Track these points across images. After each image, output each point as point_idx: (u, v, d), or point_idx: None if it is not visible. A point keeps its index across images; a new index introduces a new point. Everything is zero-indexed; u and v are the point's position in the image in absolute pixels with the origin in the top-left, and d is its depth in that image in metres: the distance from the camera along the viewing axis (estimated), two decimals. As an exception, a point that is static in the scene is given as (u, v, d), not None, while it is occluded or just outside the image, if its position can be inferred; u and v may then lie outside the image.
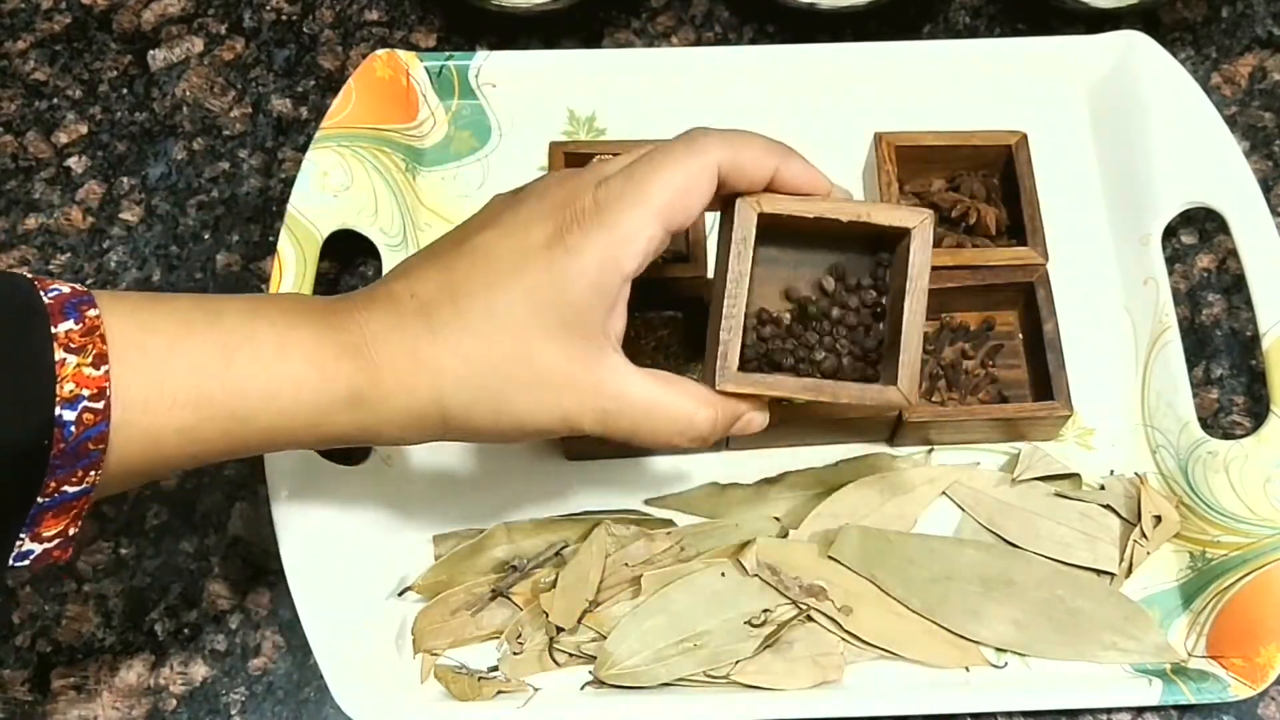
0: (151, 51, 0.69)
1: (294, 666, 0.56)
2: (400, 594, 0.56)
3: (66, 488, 0.39)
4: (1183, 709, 0.56)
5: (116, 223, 0.65)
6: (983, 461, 0.59)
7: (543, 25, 0.69)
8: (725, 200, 0.47)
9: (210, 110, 0.68)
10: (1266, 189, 0.63)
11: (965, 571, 0.56)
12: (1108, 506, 0.57)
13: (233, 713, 0.56)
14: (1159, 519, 0.57)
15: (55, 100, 0.68)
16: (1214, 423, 0.61)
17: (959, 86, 0.65)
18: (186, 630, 0.57)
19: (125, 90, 0.68)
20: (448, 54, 0.65)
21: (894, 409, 0.49)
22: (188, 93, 0.68)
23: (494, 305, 0.43)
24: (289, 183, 0.62)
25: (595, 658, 0.54)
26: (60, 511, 0.40)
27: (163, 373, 0.40)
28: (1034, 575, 0.56)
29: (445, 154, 0.65)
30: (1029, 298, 0.60)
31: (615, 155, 0.47)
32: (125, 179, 0.66)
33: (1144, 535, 0.57)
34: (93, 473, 0.40)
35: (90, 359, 0.38)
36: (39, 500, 0.39)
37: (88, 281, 0.64)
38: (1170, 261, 0.63)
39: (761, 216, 0.46)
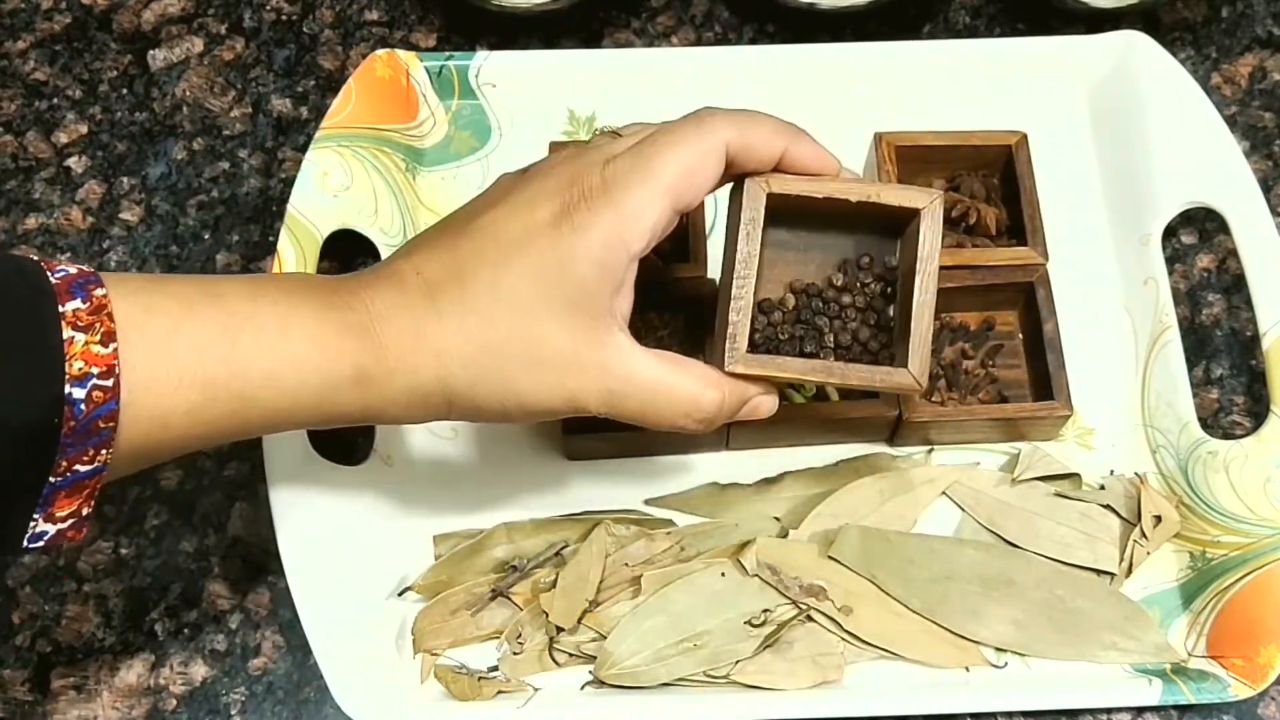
0: (151, 51, 0.69)
1: (294, 666, 0.56)
2: (400, 594, 0.56)
3: (78, 466, 0.39)
4: (1183, 709, 0.56)
5: (116, 223, 0.65)
6: (983, 461, 0.59)
7: (543, 25, 0.69)
8: (734, 181, 0.46)
9: (210, 110, 0.68)
10: (1266, 189, 0.63)
11: (965, 571, 0.56)
12: (1108, 506, 0.57)
13: (233, 713, 0.56)
14: (1159, 519, 0.57)
15: (55, 100, 0.68)
16: (1214, 423, 0.61)
17: (959, 86, 0.65)
18: (186, 630, 0.57)
19: (125, 90, 0.68)
20: (448, 54, 0.65)
21: (905, 391, 0.48)
22: (188, 93, 0.68)
23: (499, 284, 0.43)
24: (289, 183, 0.62)
25: (595, 658, 0.54)
26: (73, 491, 0.40)
27: (166, 353, 0.40)
28: (1034, 575, 0.56)
29: (445, 154, 0.65)
30: (1029, 298, 0.60)
31: (618, 132, 0.47)
32: (125, 179, 0.66)
33: (1144, 535, 0.57)
34: (104, 451, 0.39)
35: (98, 337, 0.38)
36: (51, 480, 0.39)
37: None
38: (1170, 261, 0.63)
39: (770, 197, 0.46)
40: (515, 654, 0.55)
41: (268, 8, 0.70)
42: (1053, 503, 0.58)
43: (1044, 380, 0.58)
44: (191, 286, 0.42)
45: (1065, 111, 0.66)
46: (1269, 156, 0.67)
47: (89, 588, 0.58)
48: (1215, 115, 0.61)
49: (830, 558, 0.56)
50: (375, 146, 0.62)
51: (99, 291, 0.39)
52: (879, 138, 0.61)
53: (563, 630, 0.55)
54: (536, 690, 0.55)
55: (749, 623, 0.54)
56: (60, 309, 0.38)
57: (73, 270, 0.40)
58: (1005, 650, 0.55)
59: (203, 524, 0.59)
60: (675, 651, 0.54)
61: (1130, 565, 0.57)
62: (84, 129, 0.67)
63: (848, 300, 0.50)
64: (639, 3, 0.70)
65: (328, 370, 0.43)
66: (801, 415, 0.58)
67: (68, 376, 0.38)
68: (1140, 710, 0.56)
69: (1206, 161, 0.61)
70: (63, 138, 0.67)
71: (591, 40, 0.69)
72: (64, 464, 0.39)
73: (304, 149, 0.61)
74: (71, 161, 0.66)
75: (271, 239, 0.64)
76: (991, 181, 0.63)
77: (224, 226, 0.65)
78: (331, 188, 0.59)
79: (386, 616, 0.55)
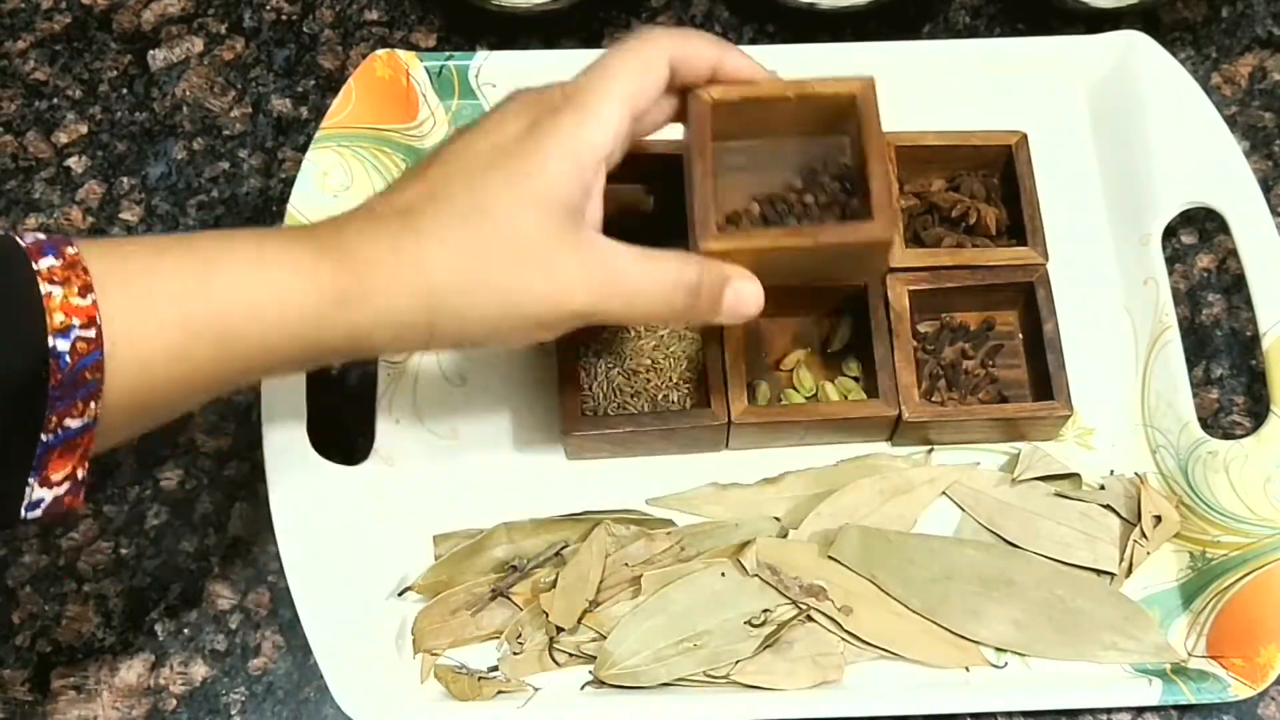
0: (151, 51, 0.69)
1: (294, 666, 0.56)
2: (400, 594, 0.56)
3: (69, 421, 0.39)
4: (1183, 709, 0.56)
5: (116, 223, 0.65)
6: (983, 461, 0.59)
7: (543, 25, 0.69)
8: (681, 101, 0.49)
9: (210, 110, 0.68)
10: (1266, 189, 0.63)
11: (965, 571, 0.56)
12: (1108, 506, 0.57)
13: (233, 713, 0.56)
14: (1159, 519, 0.57)
15: (55, 100, 0.68)
16: (1214, 423, 0.61)
17: (959, 86, 0.65)
18: (186, 630, 0.57)
19: (125, 90, 0.68)
20: (448, 54, 0.65)
21: (876, 245, 0.49)
22: (188, 92, 0.68)
23: (475, 196, 0.44)
24: (289, 183, 0.62)
25: (595, 658, 0.54)
26: (66, 450, 0.40)
27: (144, 297, 0.40)
28: (1034, 575, 0.56)
29: (445, 154, 0.65)
30: (1029, 298, 0.60)
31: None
32: (125, 179, 0.66)
33: (1144, 535, 0.57)
34: (92, 404, 0.39)
35: (76, 289, 0.38)
36: (43, 439, 0.39)
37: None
38: (1170, 261, 0.63)
39: (715, 104, 0.49)
40: (515, 654, 0.55)
41: (268, 7, 0.70)
42: (1053, 503, 0.58)
43: (1044, 380, 0.58)
44: (160, 238, 0.43)
45: (1065, 111, 0.66)
46: (1269, 156, 0.67)
47: (89, 588, 0.58)
48: (1215, 115, 0.61)
49: (830, 558, 0.56)
50: (375, 146, 0.62)
51: (70, 249, 0.39)
52: (879, 138, 0.61)
53: (563, 630, 0.55)
54: (536, 690, 0.55)
55: (749, 623, 0.54)
56: (34, 266, 0.38)
57: (42, 236, 0.40)
58: (1005, 650, 0.55)
59: (203, 524, 0.59)
60: (675, 651, 0.54)
61: (1130, 565, 0.57)
62: (84, 129, 0.67)
63: (810, 200, 0.51)
64: (639, 3, 0.70)
65: (309, 295, 0.42)
66: (801, 415, 0.58)
67: (50, 329, 0.38)
68: (1140, 710, 0.56)
69: (1206, 161, 0.61)
70: (63, 138, 0.67)
71: (591, 40, 0.69)
72: (54, 420, 0.39)
73: (304, 149, 0.61)
74: (71, 161, 0.66)
75: (271, 239, 0.64)
76: (991, 181, 0.63)
77: (224, 226, 0.65)
78: (331, 188, 0.59)
79: (386, 616, 0.55)
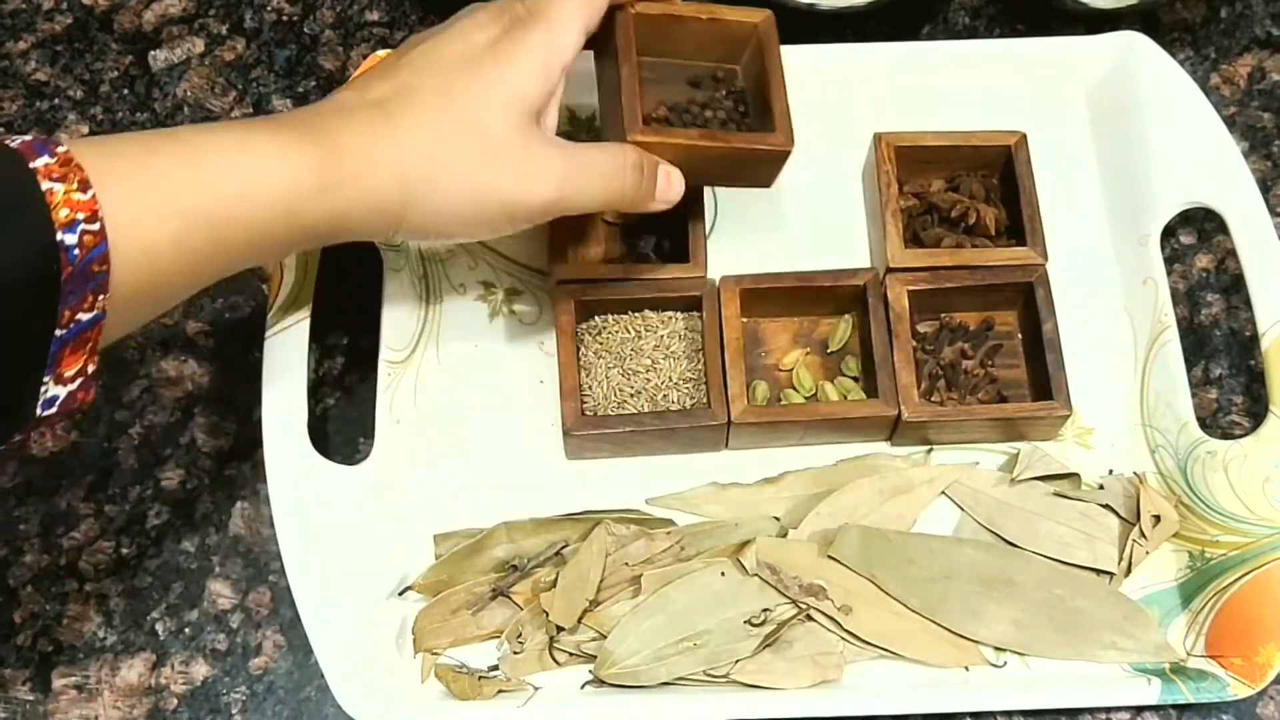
0: (152, 52, 0.69)
1: (295, 666, 0.57)
2: (401, 593, 0.56)
3: (80, 315, 0.40)
4: (1181, 708, 0.56)
5: (117, 223, 0.65)
6: (982, 461, 0.59)
7: (543, 26, 0.69)
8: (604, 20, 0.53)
9: (211, 110, 0.68)
10: (1265, 189, 0.64)
11: (964, 571, 0.56)
12: (1107, 506, 0.58)
13: (234, 712, 0.56)
14: (1158, 518, 0.57)
15: (57, 100, 0.68)
16: (1213, 422, 0.61)
17: (958, 87, 0.65)
18: (187, 630, 0.57)
19: (126, 90, 0.68)
20: (448, 54, 0.65)
21: (776, 151, 0.55)
22: (189, 93, 0.68)
23: (448, 95, 0.48)
24: (290, 183, 0.62)
25: (595, 657, 0.54)
26: (77, 345, 0.41)
27: (141, 190, 0.42)
28: (1033, 575, 0.56)
29: (446, 154, 0.65)
30: (1028, 298, 0.60)
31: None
32: (126, 179, 0.66)
33: (1143, 535, 0.57)
34: (101, 297, 0.40)
35: (75, 185, 0.39)
36: (57, 334, 0.40)
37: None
38: (1169, 261, 0.63)
39: (638, 17, 0.54)
40: (515, 653, 0.55)
41: (268, 8, 0.70)
42: (1052, 502, 0.58)
43: (1043, 380, 0.58)
44: (146, 133, 0.44)
45: (1064, 112, 0.66)
46: (1268, 157, 0.67)
47: (90, 587, 0.58)
48: (1214, 116, 0.62)
49: (830, 557, 0.56)
50: (376, 147, 0.62)
51: (61, 148, 0.40)
52: (879, 138, 0.61)
53: (563, 630, 0.55)
54: (537, 689, 0.55)
55: (749, 622, 0.55)
56: (31, 165, 0.39)
57: (28, 137, 0.40)
58: (1004, 650, 0.56)
59: (204, 523, 0.59)
60: (675, 651, 0.54)
61: (1129, 565, 0.57)
62: (85, 129, 0.67)
63: (709, 114, 0.57)
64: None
65: (294, 180, 0.45)
66: (801, 415, 0.58)
67: (57, 224, 0.39)
68: (1139, 709, 0.56)
69: (1205, 162, 0.61)
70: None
71: (587, 41, 0.69)
72: (66, 314, 0.40)
73: (305, 149, 0.61)
74: (72, 162, 0.66)
75: (272, 239, 0.64)
76: (991, 182, 0.63)
77: (225, 227, 0.65)
78: (332, 188, 0.59)
79: (387, 616, 0.55)
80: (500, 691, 0.54)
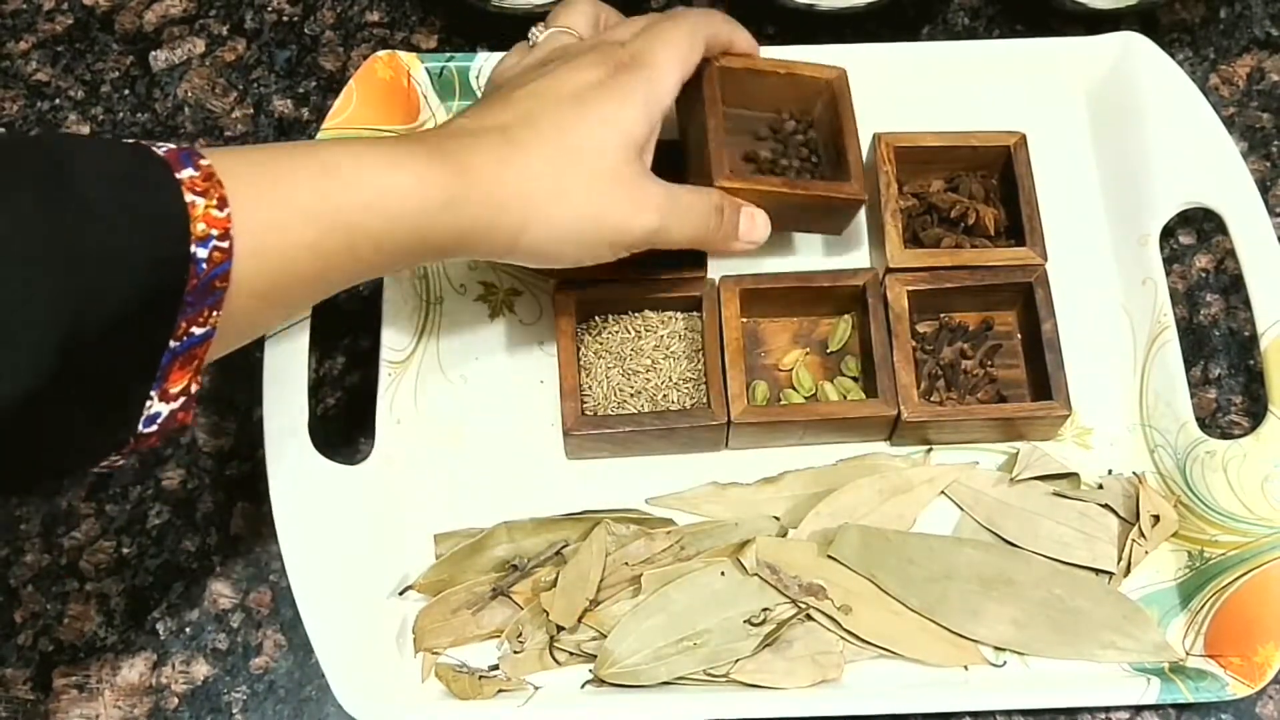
0: (153, 52, 0.69)
1: (295, 665, 0.57)
2: (401, 593, 0.56)
3: (194, 329, 0.41)
4: (1181, 708, 0.56)
5: (118, 223, 0.65)
6: (981, 461, 0.60)
7: (543, 26, 0.69)
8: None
9: (212, 111, 0.68)
10: (1264, 189, 0.64)
11: (964, 571, 0.56)
12: (1106, 506, 0.58)
13: (234, 711, 0.56)
14: (1157, 518, 0.57)
15: (57, 101, 0.68)
16: (1212, 422, 0.61)
17: (958, 87, 0.66)
18: (188, 629, 0.57)
19: (127, 91, 0.68)
20: (449, 55, 0.65)
21: (852, 199, 0.58)
22: (189, 93, 0.68)
23: (563, 128, 0.50)
24: (290, 183, 0.62)
25: (595, 656, 0.55)
26: (186, 360, 0.41)
27: (282, 194, 0.43)
28: (1033, 574, 0.56)
29: (446, 154, 0.65)
30: (1028, 298, 0.60)
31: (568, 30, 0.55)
32: (127, 179, 0.66)
33: (1142, 534, 0.57)
34: (215, 314, 0.41)
35: (215, 201, 0.41)
36: (171, 345, 0.40)
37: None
38: (1168, 262, 0.63)
39: (724, 71, 0.58)
40: (516, 653, 0.55)
41: (269, 9, 0.70)
42: (1051, 502, 0.58)
43: (1042, 380, 0.58)
44: (284, 145, 0.47)
45: (1064, 112, 0.66)
46: (1267, 157, 0.67)
47: (91, 587, 0.58)
48: (1213, 116, 0.62)
49: (829, 557, 0.56)
50: (376, 147, 0.62)
51: (204, 161, 0.41)
52: (878, 138, 0.61)
53: (563, 629, 0.55)
54: (537, 689, 0.55)
55: (749, 621, 0.55)
56: (177, 176, 0.40)
57: (173, 146, 0.41)
58: (1004, 649, 0.56)
59: (204, 523, 0.59)
60: (675, 650, 0.54)
61: (1129, 564, 0.57)
62: (86, 130, 0.67)
63: (785, 162, 0.61)
64: (639, 4, 0.70)
65: (424, 196, 0.46)
66: (801, 415, 0.58)
67: (193, 237, 0.40)
68: (1138, 709, 0.56)
69: (1204, 162, 0.61)
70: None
71: (592, 41, 0.69)
72: (183, 325, 0.40)
73: (305, 150, 0.61)
74: (73, 162, 0.66)
75: (273, 239, 0.64)
76: (990, 182, 0.63)
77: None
78: (332, 188, 0.59)
79: (387, 615, 0.55)
80: (500, 691, 0.55)
